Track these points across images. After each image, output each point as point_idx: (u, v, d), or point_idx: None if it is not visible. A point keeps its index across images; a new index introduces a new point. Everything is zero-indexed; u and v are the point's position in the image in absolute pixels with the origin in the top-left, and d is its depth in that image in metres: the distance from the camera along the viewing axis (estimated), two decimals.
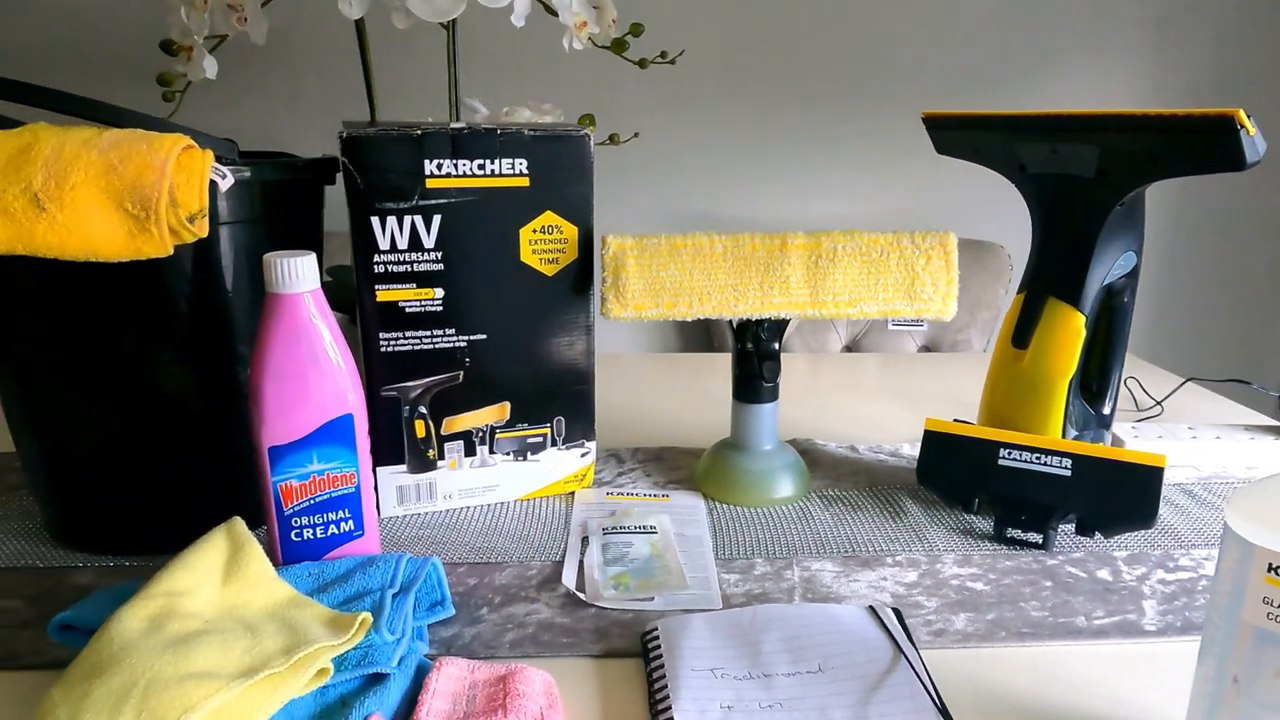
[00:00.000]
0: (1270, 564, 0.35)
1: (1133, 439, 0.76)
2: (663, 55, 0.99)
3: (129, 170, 0.47)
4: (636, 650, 0.49)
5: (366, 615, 0.46)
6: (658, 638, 0.49)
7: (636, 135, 1.03)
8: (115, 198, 0.47)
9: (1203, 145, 0.51)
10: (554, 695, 0.44)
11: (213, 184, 0.51)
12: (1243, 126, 0.48)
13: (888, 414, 0.91)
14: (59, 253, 0.48)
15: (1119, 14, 1.63)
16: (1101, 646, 0.51)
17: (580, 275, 0.65)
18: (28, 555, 0.59)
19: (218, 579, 0.47)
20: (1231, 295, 1.81)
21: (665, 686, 0.44)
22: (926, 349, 1.47)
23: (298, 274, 0.50)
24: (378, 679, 0.44)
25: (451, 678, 0.44)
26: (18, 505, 0.66)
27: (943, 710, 0.43)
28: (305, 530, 0.53)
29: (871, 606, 0.51)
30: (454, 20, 0.89)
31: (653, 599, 0.55)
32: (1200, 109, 0.49)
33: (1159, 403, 0.92)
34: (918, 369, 1.08)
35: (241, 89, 1.56)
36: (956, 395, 0.97)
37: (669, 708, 0.43)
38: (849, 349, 1.50)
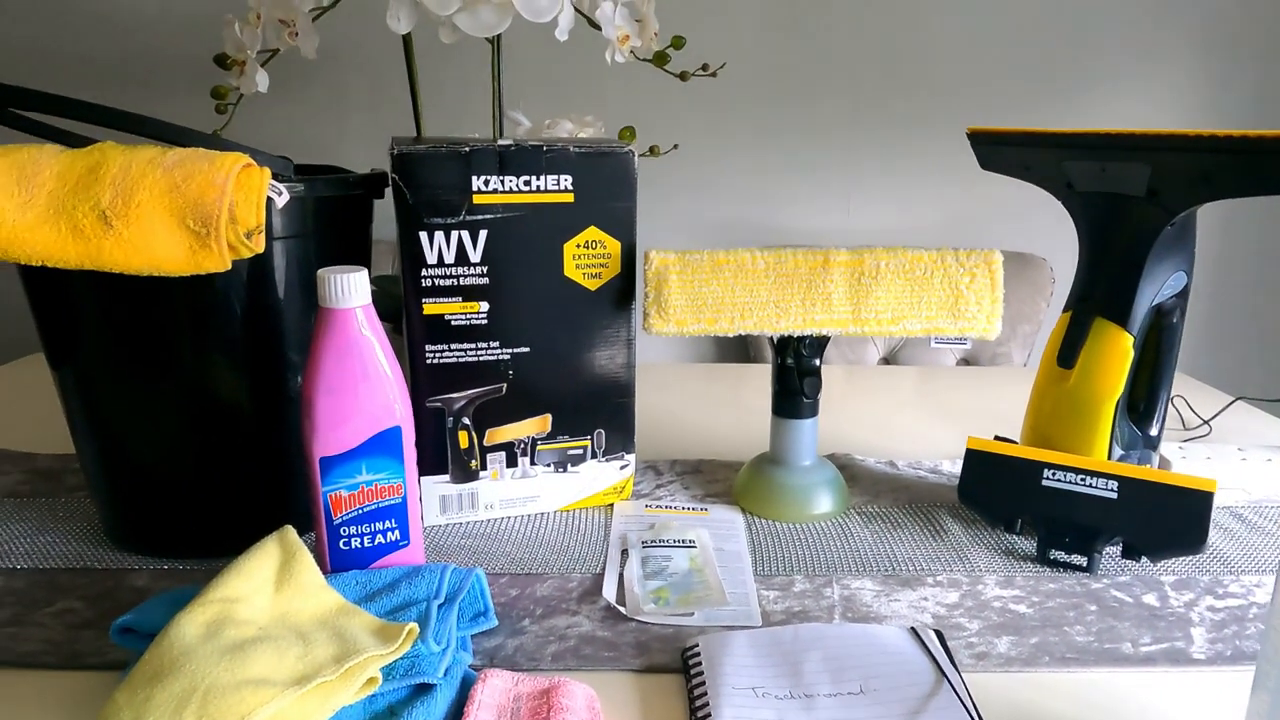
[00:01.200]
0: None
1: (1179, 460, 0.75)
2: (704, 68, 0.99)
3: (192, 188, 0.49)
4: (677, 666, 0.50)
5: (414, 625, 0.47)
6: (699, 654, 0.49)
7: (676, 147, 1.03)
8: (178, 215, 0.49)
9: (1259, 167, 0.50)
10: (596, 710, 0.45)
11: (269, 200, 0.53)
12: None
13: (927, 429, 0.90)
14: (124, 268, 0.49)
15: (1169, 28, 1.60)
16: (1148, 674, 0.50)
17: (623, 290, 0.66)
18: (87, 557, 0.61)
19: (270, 586, 0.49)
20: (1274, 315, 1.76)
21: (707, 704, 0.45)
22: (966, 362, 1.45)
23: (351, 289, 0.51)
24: (424, 689, 0.45)
25: (496, 690, 0.45)
26: (78, 507, 0.68)
27: None
28: (353, 539, 0.54)
29: (913, 628, 0.51)
30: (499, 35, 0.91)
31: (692, 614, 0.55)
32: (1256, 131, 0.48)
33: (1206, 422, 0.90)
34: (957, 383, 1.07)
35: (291, 101, 1.59)
36: (997, 410, 0.96)
37: None
38: (886, 361, 1.49)
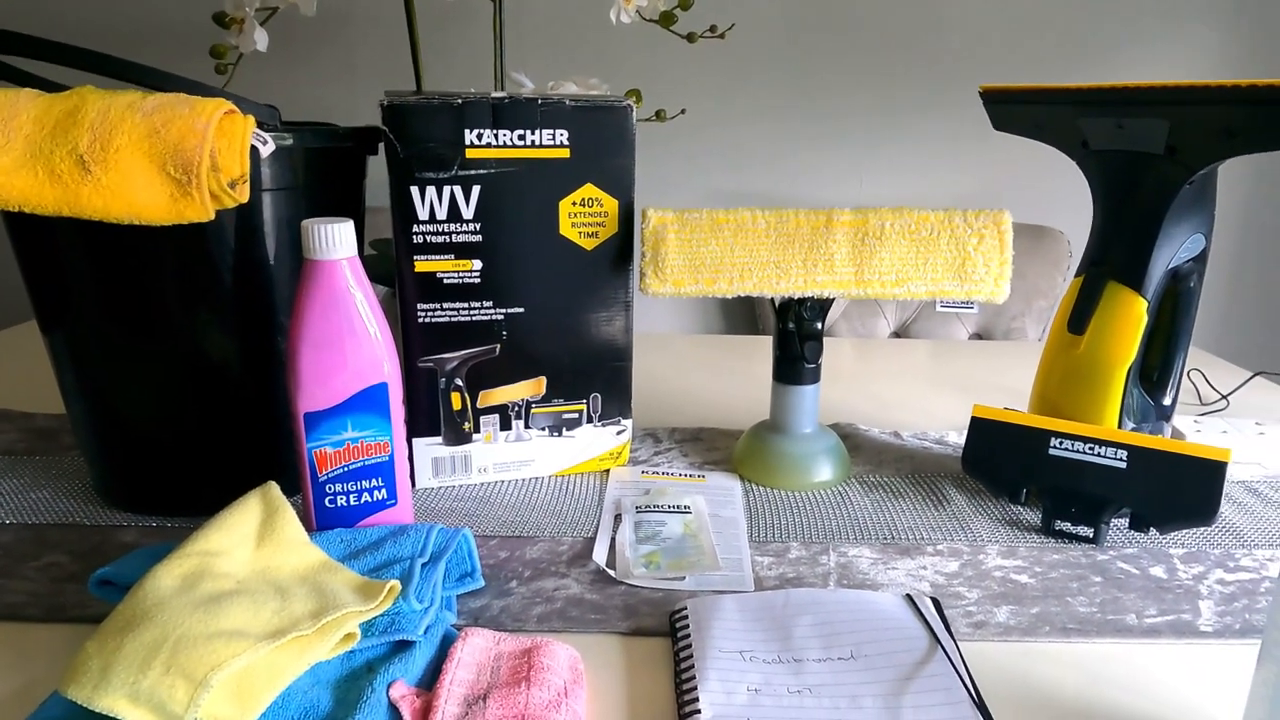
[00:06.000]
0: None
1: (1194, 433, 0.73)
2: (712, 29, 0.97)
3: (171, 133, 0.47)
4: (665, 629, 0.49)
5: (395, 583, 0.46)
6: (686, 617, 0.48)
7: (684, 112, 1.01)
8: (158, 161, 0.47)
9: (1277, 118, 0.47)
10: (579, 670, 0.44)
11: (254, 150, 0.51)
12: None
13: (935, 401, 0.88)
14: (103, 215, 0.48)
15: None
16: (1152, 646, 0.48)
17: (620, 250, 0.64)
18: (76, 513, 0.60)
19: (251, 541, 0.48)
20: None
21: (692, 666, 0.44)
22: (979, 337, 1.42)
23: (335, 240, 0.50)
24: (404, 646, 0.44)
25: (477, 648, 0.44)
26: (70, 465, 0.68)
27: (980, 704, 0.41)
28: (339, 497, 0.53)
29: (909, 595, 0.49)
30: None
31: (684, 578, 0.54)
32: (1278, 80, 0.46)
33: (1224, 397, 0.88)
34: (968, 356, 1.05)
35: (294, 62, 1.57)
36: (1008, 384, 0.94)
37: (694, 688, 0.42)
38: (897, 335, 1.46)
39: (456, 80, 1.54)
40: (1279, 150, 0.50)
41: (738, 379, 0.94)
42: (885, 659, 0.44)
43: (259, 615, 0.42)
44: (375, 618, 0.45)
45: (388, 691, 0.41)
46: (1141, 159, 0.57)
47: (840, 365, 1.00)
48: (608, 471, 0.69)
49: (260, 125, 0.52)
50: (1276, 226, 1.68)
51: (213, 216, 0.50)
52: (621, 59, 1.55)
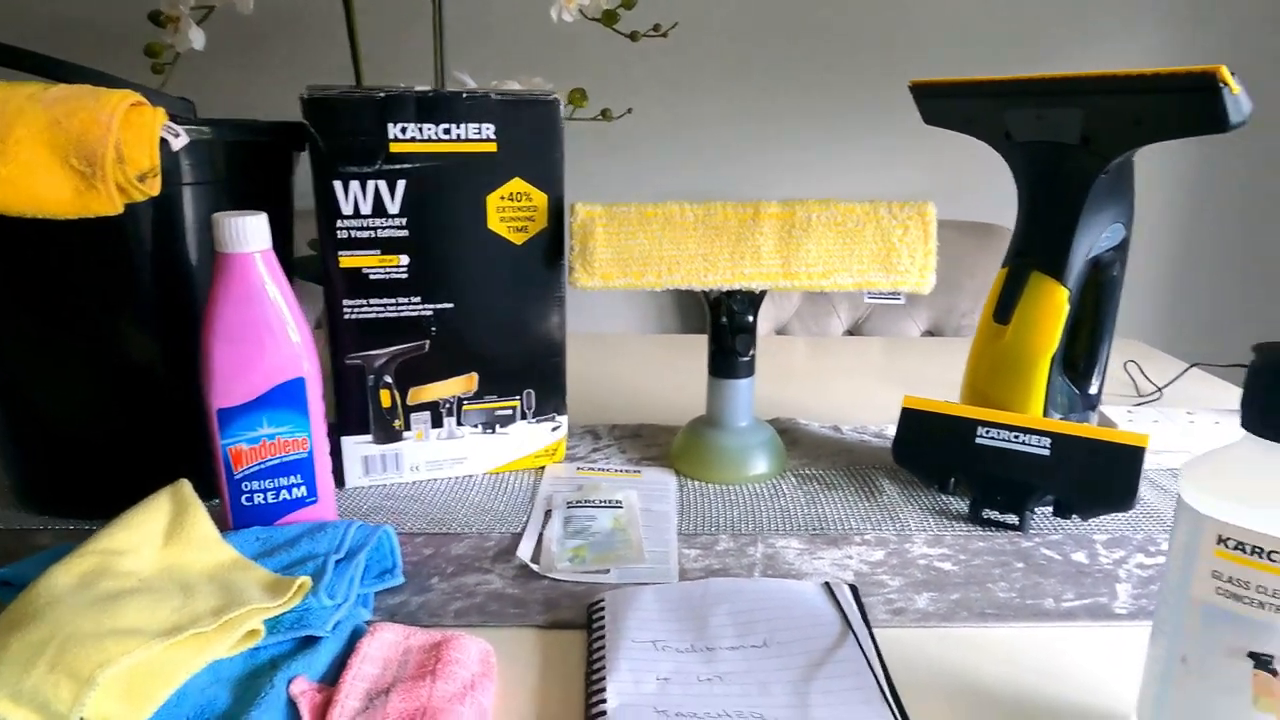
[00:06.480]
0: (1220, 535, 0.33)
1: (1127, 423, 0.74)
2: (655, 28, 0.97)
3: (74, 125, 0.46)
4: (584, 622, 0.48)
5: (305, 579, 0.45)
6: (604, 609, 0.47)
7: (630, 111, 1.01)
8: (60, 153, 0.47)
9: (1184, 106, 0.48)
10: (490, 664, 0.43)
11: (166, 143, 0.51)
12: (1225, 84, 0.45)
13: (880, 396, 0.89)
14: (5, 209, 0.47)
15: None
16: (1068, 629, 0.49)
17: (551, 244, 0.64)
18: None
19: (159, 539, 0.47)
20: (1247, 279, 1.75)
21: (603, 657, 0.43)
22: (930, 333, 1.44)
23: (246, 233, 0.49)
24: (311, 643, 0.43)
25: (385, 643, 0.43)
26: None
27: (889, 689, 0.41)
28: (256, 495, 0.53)
29: (827, 583, 0.49)
30: None
31: (608, 571, 0.53)
32: (1182, 67, 0.47)
33: (1160, 389, 0.89)
34: (919, 353, 1.06)
35: (236, 62, 1.55)
36: (956, 380, 0.95)
37: (603, 678, 0.42)
38: (851, 332, 1.47)
39: (400, 78, 1.53)
40: (1186, 137, 0.50)
41: (683, 375, 0.94)
42: (797, 646, 0.44)
43: (157, 613, 0.41)
44: (283, 614, 0.44)
45: (288, 687, 0.40)
46: (1059, 149, 0.58)
47: (793, 363, 1.01)
48: (543, 468, 0.69)
49: (173, 118, 0.52)
50: (1217, 220, 1.71)
51: (120, 210, 0.49)
52: (571, 59, 1.55)
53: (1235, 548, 0.32)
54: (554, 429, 0.69)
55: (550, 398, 0.68)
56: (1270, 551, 0.31)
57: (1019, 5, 1.57)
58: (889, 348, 1.08)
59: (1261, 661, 0.32)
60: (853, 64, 1.59)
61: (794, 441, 0.75)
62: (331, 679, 0.42)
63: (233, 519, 0.53)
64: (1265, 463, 0.32)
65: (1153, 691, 0.36)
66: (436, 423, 0.65)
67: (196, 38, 0.86)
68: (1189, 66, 0.46)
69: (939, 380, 0.94)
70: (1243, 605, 0.32)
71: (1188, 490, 0.34)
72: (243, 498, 0.52)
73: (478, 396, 0.66)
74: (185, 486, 0.51)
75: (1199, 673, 0.34)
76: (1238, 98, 0.46)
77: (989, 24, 1.58)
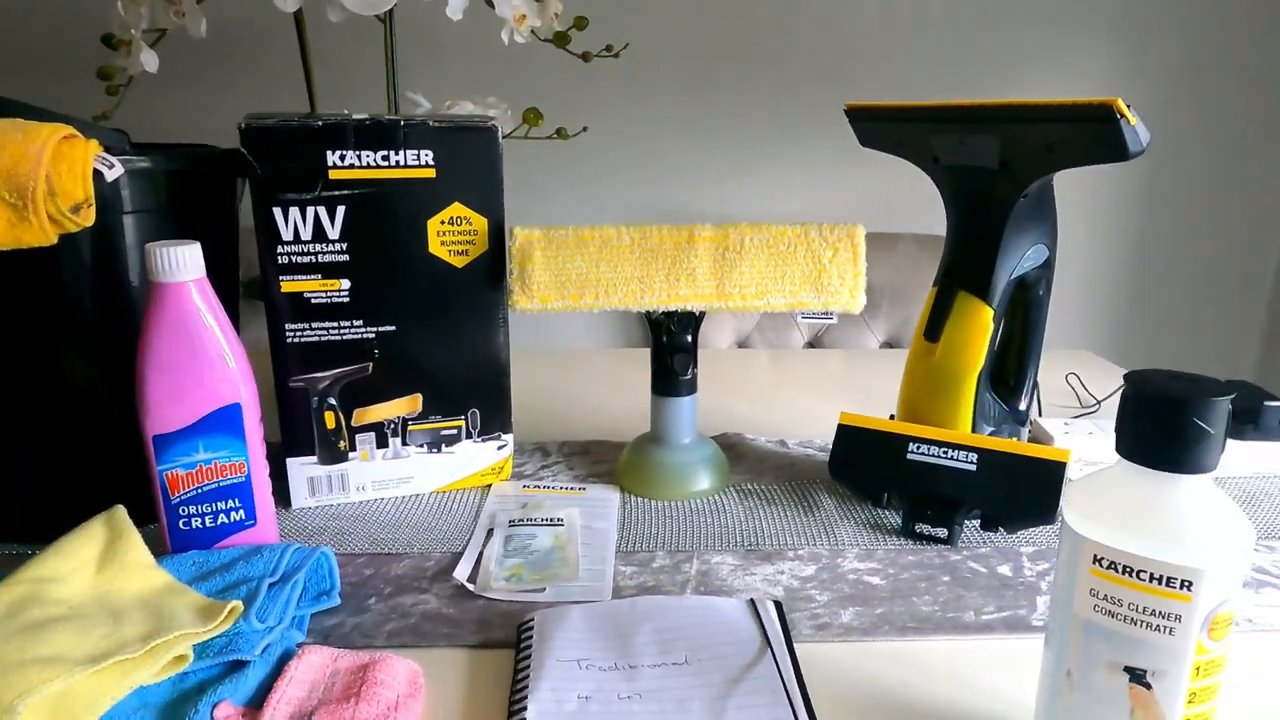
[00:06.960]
0: (1095, 555, 0.34)
1: (1062, 435, 0.76)
2: (608, 49, 0.98)
3: (3, 159, 0.47)
4: (514, 642, 0.49)
5: (237, 604, 0.46)
6: (532, 629, 0.48)
7: (585, 129, 1.03)
8: None
9: (1087, 135, 0.50)
10: (418, 685, 0.44)
11: (99, 173, 0.51)
12: (1122, 116, 0.47)
13: (828, 410, 0.90)
14: None
15: (1084, 12, 1.61)
16: (986, 642, 0.50)
17: (492, 267, 0.65)
18: None
19: (92, 566, 0.48)
20: (1191, 288, 1.79)
21: (527, 676, 0.44)
22: (889, 344, 1.46)
23: (179, 263, 0.50)
24: (239, 666, 0.44)
25: (313, 665, 0.44)
26: None
27: (804, 704, 0.43)
28: (194, 519, 0.53)
29: (751, 600, 0.51)
30: (391, 13, 0.90)
31: (544, 589, 0.54)
32: (1084, 98, 0.49)
33: (1099, 402, 0.91)
34: (876, 367, 1.08)
35: (189, 85, 1.55)
36: None
37: (525, 697, 0.43)
38: (811, 345, 1.49)
39: (355, 100, 1.54)
40: (1094, 164, 0.52)
41: (637, 391, 0.95)
42: (716, 663, 0.45)
43: (85, 640, 0.42)
44: (213, 638, 0.45)
45: (212, 712, 0.41)
46: (981, 174, 0.60)
47: (748, 376, 1.02)
48: (490, 486, 0.70)
49: (107, 149, 0.53)
50: (1174, 237, 1.75)
51: (54, 241, 0.50)
52: (527, 78, 1.56)
53: (1109, 567, 0.34)
54: (500, 447, 0.70)
55: (496, 417, 0.69)
56: (1139, 571, 0.33)
57: (974, 27, 1.60)
58: (845, 360, 1.10)
59: (1136, 676, 0.34)
60: (806, 84, 1.62)
61: (739, 457, 0.76)
62: (258, 703, 0.43)
63: (171, 543, 0.53)
64: (1137, 487, 0.34)
65: (1043, 703, 0.38)
66: (382, 443, 0.66)
67: (149, 60, 0.87)
68: (1090, 98, 0.48)
69: (889, 393, 0.96)
70: (1118, 622, 0.34)
71: (1068, 512, 0.36)
72: (180, 522, 0.53)
73: (423, 417, 0.67)
74: (120, 512, 0.51)
75: (1082, 686, 0.35)
76: (1135, 128, 0.48)
77: (950, 48, 1.61)
